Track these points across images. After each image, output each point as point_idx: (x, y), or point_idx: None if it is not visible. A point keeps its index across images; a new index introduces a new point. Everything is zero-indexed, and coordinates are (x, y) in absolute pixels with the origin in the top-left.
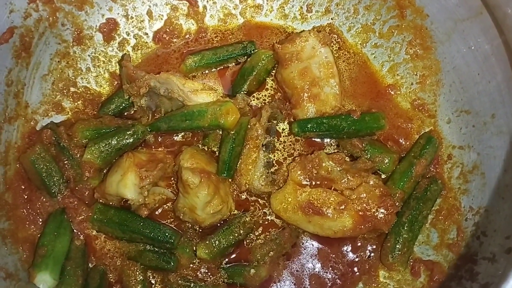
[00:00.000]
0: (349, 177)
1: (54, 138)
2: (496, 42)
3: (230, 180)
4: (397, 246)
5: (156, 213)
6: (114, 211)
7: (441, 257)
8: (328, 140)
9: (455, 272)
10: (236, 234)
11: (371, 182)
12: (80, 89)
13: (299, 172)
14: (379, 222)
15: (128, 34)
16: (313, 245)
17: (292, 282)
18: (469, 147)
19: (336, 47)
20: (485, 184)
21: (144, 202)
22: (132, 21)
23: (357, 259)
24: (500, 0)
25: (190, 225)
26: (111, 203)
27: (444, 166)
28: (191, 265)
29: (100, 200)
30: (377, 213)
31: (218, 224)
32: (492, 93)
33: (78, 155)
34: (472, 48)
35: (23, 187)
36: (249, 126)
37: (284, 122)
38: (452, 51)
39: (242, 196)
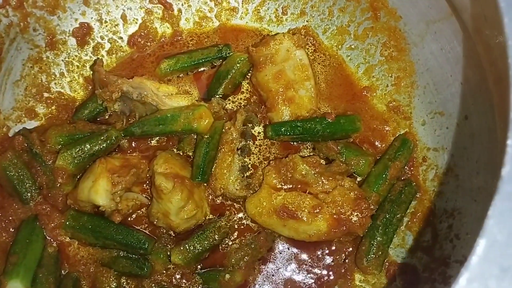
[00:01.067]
0: (323, 180)
1: (26, 145)
2: (467, 44)
3: (205, 184)
4: (371, 249)
5: (130, 219)
6: (87, 218)
7: (415, 260)
8: (304, 143)
9: (429, 275)
10: (211, 239)
11: (346, 185)
12: (53, 94)
13: (273, 176)
14: (354, 226)
15: (102, 39)
16: (288, 249)
17: (268, 287)
18: (443, 149)
19: (311, 49)
20: (459, 186)
21: (117, 208)
22: (106, 25)
23: (332, 263)
24: (466, 3)
25: (164, 231)
26: (84, 209)
27: (419, 168)
28: (166, 271)
29: (73, 207)
30: (351, 217)
31: (193, 229)
32: (465, 95)
33: (51, 161)
34: (445, 49)
35: None
36: (224, 130)
37: (259, 126)
38: (425, 53)
39: (217, 201)
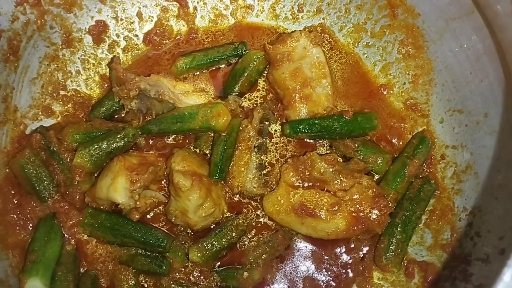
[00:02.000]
0: (342, 178)
1: (43, 142)
2: (488, 41)
3: (222, 182)
4: (390, 247)
5: (148, 216)
6: (105, 215)
7: (435, 258)
8: (321, 141)
9: (449, 273)
10: (228, 237)
11: (364, 183)
12: (70, 92)
13: (291, 174)
14: (373, 223)
15: (118, 36)
16: (306, 247)
17: (286, 285)
18: (462, 147)
19: (327, 47)
20: (479, 184)
21: (135, 206)
22: (122, 23)
23: (350, 261)
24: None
25: (182, 229)
26: (102, 207)
27: (437, 166)
28: (184, 269)
29: (91, 204)
30: (370, 214)
31: (211, 227)
32: (485, 92)
33: (68, 159)
34: (464, 47)
35: (13, 192)
36: (241, 127)
37: (276, 123)
38: (444, 50)
39: (235, 199)
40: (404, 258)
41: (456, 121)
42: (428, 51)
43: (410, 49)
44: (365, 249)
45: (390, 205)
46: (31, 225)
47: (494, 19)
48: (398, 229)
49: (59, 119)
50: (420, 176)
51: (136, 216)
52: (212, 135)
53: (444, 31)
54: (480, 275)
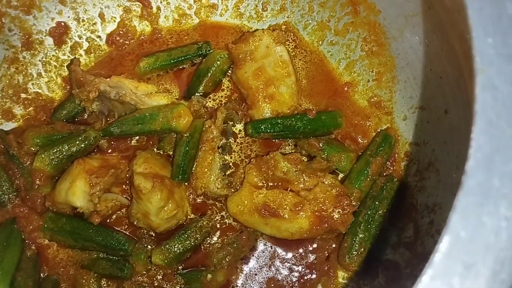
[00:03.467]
0: (305, 177)
1: (3, 146)
2: (446, 37)
3: (186, 184)
4: (354, 246)
5: (110, 220)
6: (66, 219)
7: (398, 256)
8: (286, 140)
9: (411, 271)
10: (192, 239)
11: (328, 182)
12: (31, 95)
13: (254, 174)
14: (336, 222)
15: (80, 38)
16: (271, 247)
17: (251, 286)
18: (425, 144)
19: (292, 45)
20: (440, 181)
21: (96, 209)
22: (84, 24)
23: (315, 261)
24: None
25: (145, 231)
26: (63, 211)
27: (401, 164)
28: (147, 272)
29: (52, 209)
30: (333, 213)
31: (174, 229)
32: (444, 89)
33: (28, 163)
34: (424, 43)
35: None
36: (204, 128)
37: (240, 123)
38: (405, 47)
39: (199, 200)
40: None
41: (418, 118)
42: (390, 48)
43: (373, 47)
44: (330, 249)
45: (353, 203)
46: None
47: (446, 15)
48: (361, 227)
49: (20, 122)
50: (384, 174)
51: (97, 219)
52: (175, 136)
53: (404, 28)
54: None
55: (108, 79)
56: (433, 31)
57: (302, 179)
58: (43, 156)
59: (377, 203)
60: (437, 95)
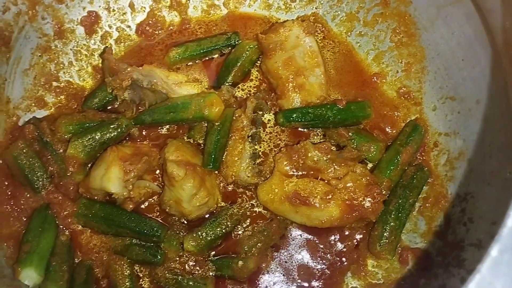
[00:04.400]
0: (335, 166)
1: (37, 133)
2: (479, 27)
3: (216, 172)
4: (384, 234)
5: (142, 206)
6: (99, 206)
7: (428, 245)
8: (314, 130)
9: (442, 259)
10: (223, 226)
11: (358, 171)
12: (62, 83)
13: (285, 163)
14: (366, 211)
15: (110, 27)
16: (301, 235)
17: (281, 274)
18: (455, 134)
19: (320, 36)
20: (471, 170)
21: (129, 196)
22: (114, 14)
23: (345, 249)
24: None
25: (176, 218)
26: (96, 197)
27: (430, 154)
28: (179, 258)
29: (85, 195)
30: (364, 202)
31: (205, 217)
32: (477, 79)
33: (62, 150)
34: (456, 33)
35: (6, 183)
36: (234, 117)
37: (269, 113)
38: (436, 38)
39: (229, 188)
40: (398, 245)
41: (448, 109)
42: (421, 39)
43: (402, 37)
44: (359, 237)
45: (383, 192)
46: (25, 216)
47: (483, 3)
48: (392, 216)
49: (52, 110)
50: (414, 163)
51: (130, 206)
52: (206, 125)
53: (435, 18)
54: (473, 260)
55: (140, 68)
56: (467, 20)
57: (332, 168)
58: (77, 143)
59: (407, 192)
60: (469, 85)
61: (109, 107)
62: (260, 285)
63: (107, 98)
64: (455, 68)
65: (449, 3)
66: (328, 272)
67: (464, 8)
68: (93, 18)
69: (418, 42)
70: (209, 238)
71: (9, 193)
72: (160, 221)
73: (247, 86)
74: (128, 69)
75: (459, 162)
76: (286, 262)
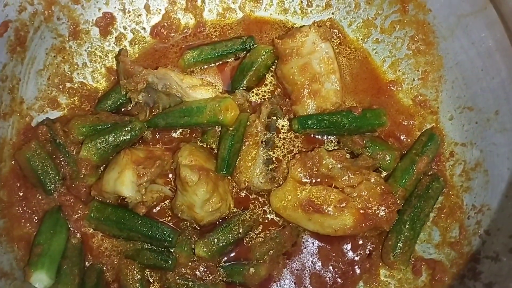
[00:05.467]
0: (350, 174)
1: (50, 135)
2: (501, 38)
3: (229, 177)
4: (398, 244)
5: (154, 211)
6: (111, 209)
7: (443, 256)
8: (328, 136)
9: (458, 271)
10: (235, 232)
11: (372, 180)
12: (76, 84)
13: (299, 170)
14: (380, 220)
15: (125, 29)
16: (313, 243)
17: (292, 281)
18: (472, 144)
19: (336, 42)
20: (488, 181)
21: (142, 200)
22: (129, 15)
23: (357, 258)
24: None
25: (188, 223)
26: (108, 200)
27: (446, 164)
28: (190, 264)
29: (97, 198)
30: (378, 211)
31: (217, 222)
32: (496, 90)
33: (75, 152)
34: (476, 43)
35: (18, 185)
36: (248, 122)
37: (283, 119)
38: (455, 47)
39: (242, 194)
40: (412, 256)
41: (466, 118)
42: (439, 47)
43: (420, 45)
44: (372, 246)
45: (398, 202)
46: (36, 218)
47: (509, 15)
48: (406, 226)
49: (65, 111)
50: (429, 173)
51: (143, 210)
52: (219, 129)
53: (455, 28)
54: (489, 273)
55: (155, 71)
56: (488, 31)
57: (346, 176)
58: (90, 145)
59: (422, 202)
60: (488, 96)
61: (122, 110)
62: None
63: (121, 100)
64: (474, 78)
65: (471, 12)
66: (340, 281)
67: (486, 18)
68: (108, 19)
69: (436, 51)
70: (221, 244)
71: (21, 194)
72: (172, 225)
73: (262, 91)
74: (143, 72)
75: (475, 173)
76: (297, 270)
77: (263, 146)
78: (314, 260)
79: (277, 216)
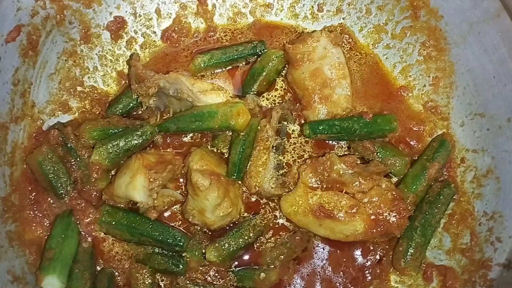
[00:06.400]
0: (361, 180)
1: (61, 139)
2: None
3: (239, 182)
4: (409, 250)
5: (165, 215)
6: (122, 213)
7: (454, 262)
8: (339, 142)
9: (469, 277)
10: (246, 237)
11: (383, 186)
12: (87, 88)
13: (310, 175)
14: (391, 226)
15: (136, 33)
16: (324, 249)
17: (303, 287)
18: (483, 151)
19: (347, 47)
20: (500, 188)
21: (153, 205)
22: (140, 19)
23: (368, 263)
24: None
25: (199, 228)
26: (119, 205)
27: (457, 170)
28: (200, 268)
29: (108, 202)
30: (389, 217)
31: (228, 227)
32: (508, 97)
33: (86, 156)
34: (488, 50)
35: (29, 189)
36: (259, 127)
37: (294, 124)
38: (466, 53)
39: (252, 199)
40: (423, 262)
41: (477, 125)
42: (450, 54)
43: (431, 51)
44: (383, 252)
45: (409, 208)
46: (47, 222)
47: None
48: (417, 232)
49: (76, 115)
50: (440, 179)
51: (154, 214)
52: (230, 134)
53: (467, 34)
54: (501, 281)
55: (166, 75)
56: (501, 38)
57: (357, 182)
58: (101, 149)
59: (434, 208)
60: (500, 103)
61: (133, 114)
62: None
63: (131, 104)
64: (486, 85)
65: (483, 19)
66: (351, 286)
67: (500, 25)
68: (119, 23)
69: (448, 57)
70: (231, 249)
71: (32, 198)
72: (183, 230)
73: (272, 96)
74: (155, 77)
75: (487, 179)
76: (308, 275)
77: (273, 151)
78: (325, 266)
79: (288, 221)
